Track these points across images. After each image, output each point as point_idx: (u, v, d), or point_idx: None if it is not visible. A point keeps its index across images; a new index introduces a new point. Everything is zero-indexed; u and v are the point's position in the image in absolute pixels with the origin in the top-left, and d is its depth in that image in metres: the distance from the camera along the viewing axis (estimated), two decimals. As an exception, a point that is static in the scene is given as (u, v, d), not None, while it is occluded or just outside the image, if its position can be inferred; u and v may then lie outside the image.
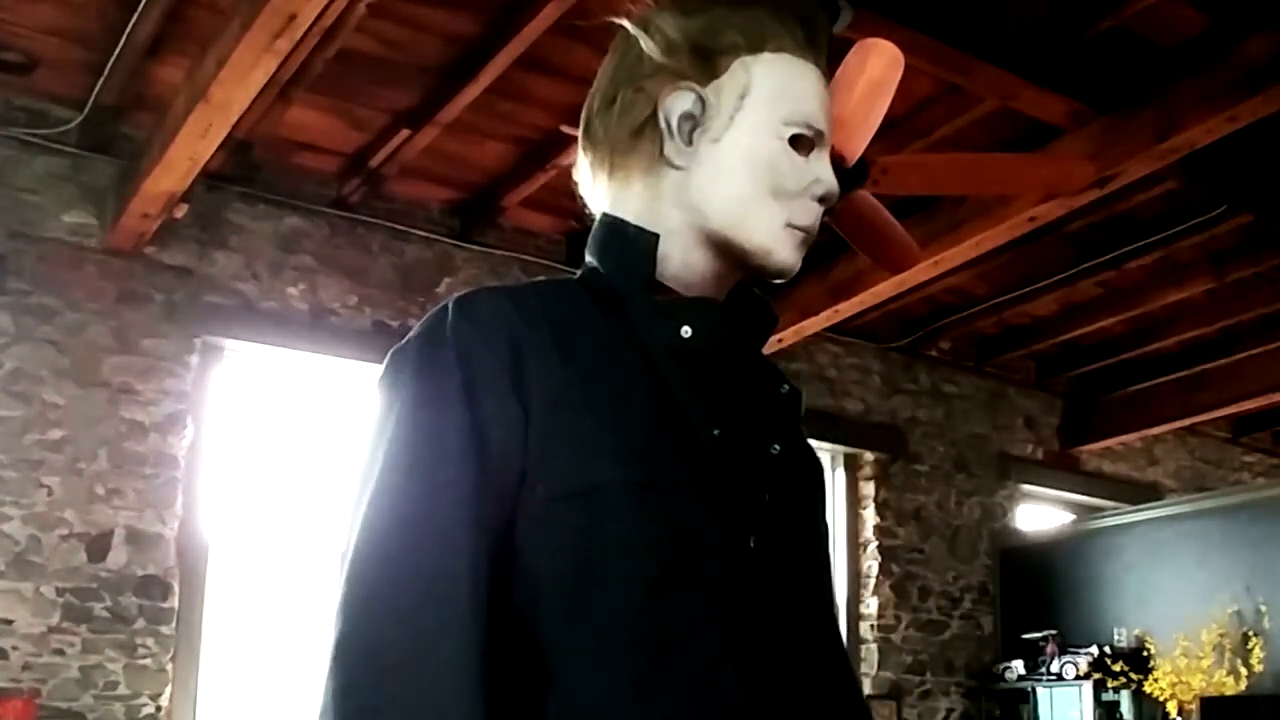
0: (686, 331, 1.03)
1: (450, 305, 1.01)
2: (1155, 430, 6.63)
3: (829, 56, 1.10)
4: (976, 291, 5.62)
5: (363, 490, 0.96)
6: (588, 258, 1.09)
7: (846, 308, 4.93)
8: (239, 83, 3.19)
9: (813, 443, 1.20)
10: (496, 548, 0.94)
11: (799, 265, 1.08)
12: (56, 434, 3.92)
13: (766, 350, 1.17)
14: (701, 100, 1.05)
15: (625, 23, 1.08)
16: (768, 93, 1.05)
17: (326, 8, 2.97)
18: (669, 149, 1.05)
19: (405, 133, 4.10)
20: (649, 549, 0.96)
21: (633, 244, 1.06)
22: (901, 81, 2.96)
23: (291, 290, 4.46)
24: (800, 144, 1.06)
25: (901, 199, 3.78)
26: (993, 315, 5.86)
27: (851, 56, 2.90)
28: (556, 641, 0.94)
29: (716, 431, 1.00)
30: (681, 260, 1.07)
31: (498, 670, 0.92)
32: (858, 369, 5.91)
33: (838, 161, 3.05)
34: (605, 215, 1.09)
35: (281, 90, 3.73)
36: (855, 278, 4.73)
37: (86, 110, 3.93)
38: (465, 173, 4.58)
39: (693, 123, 1.05)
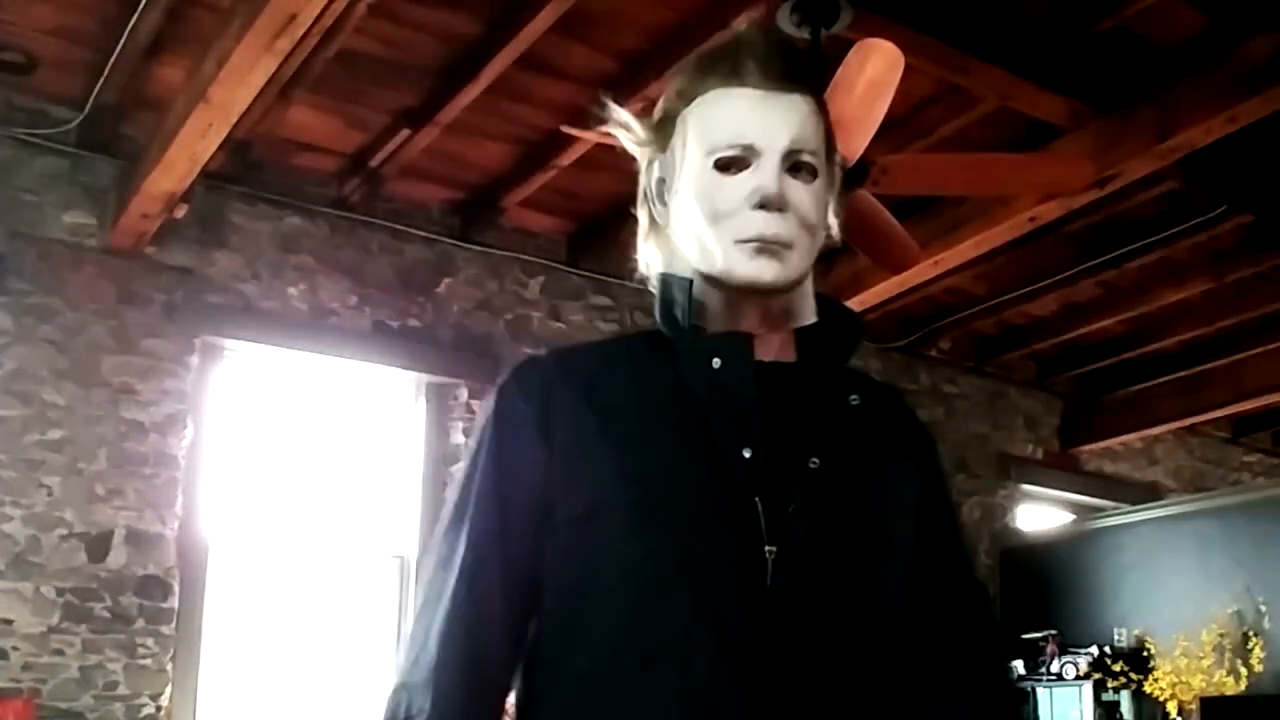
0: (716, 363, 1.15)
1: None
2: (1155, 430, 6.62)
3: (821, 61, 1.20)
4: (976, 291, 5.62)
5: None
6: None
7: (846, 308, 4.92)
8: (239, 83, 3.19)
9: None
10: (530, 561, 1.13)
11: (773, 273, 1.15)
12: (56, 434, 3.92)
13: None
14: (665, 164, 1.20)
15: (613, 130, 1.24)
16: (693, 135, 1.17)
17: (326, 8, 2.97)
18: (656, 214, 1.22)
19: (405, 133, 4.10)
20: (640, 560, 1.09)
21: (672, 292, 1.19)
22: (901, 81, 2.96)
23: (291, 290, 4.46)
24: (728, 165, 1.15)
25: (901, 199, 3.78)
26: (993, 315, 5.86)
27: (851, 56, 2.91)
28: (567, 640, 1.10)
29: (748, 452, 1.11)
30: (703, 300, 1.19)
31: (527, 657, 1.14)
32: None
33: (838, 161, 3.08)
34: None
35: (281, 90, 3.73)
36: (855, 278, 4.73)
37: (86, 110, 3.92)
38: (465, 173, 4.58)
39: (664, 185, 1.21)
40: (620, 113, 1.22)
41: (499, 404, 1.18)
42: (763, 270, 1.14)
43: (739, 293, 1.16)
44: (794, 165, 1.16)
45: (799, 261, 1.16)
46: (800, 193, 1.15)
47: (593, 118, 1.27)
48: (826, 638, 1.09)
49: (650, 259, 1.24)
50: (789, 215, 1.14)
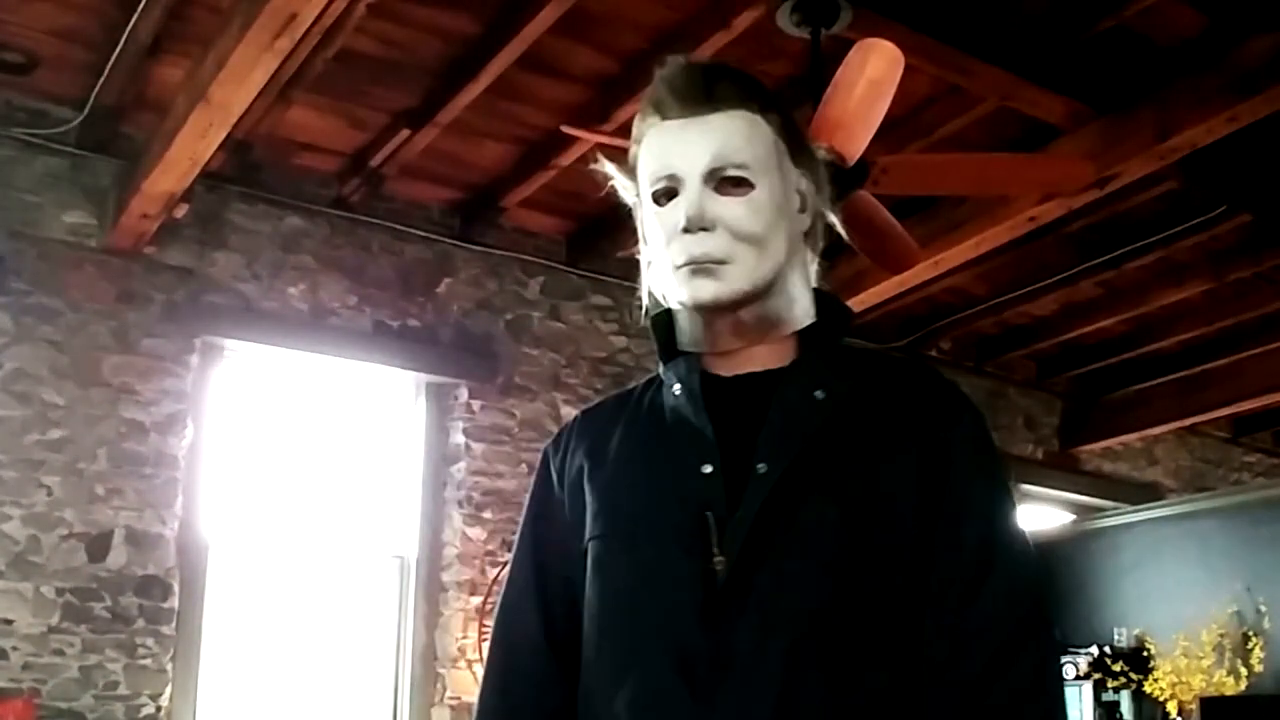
0: (677, 389, 1.22)
1: None
2: (1155, 430, 6.63)
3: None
4: (976, 291, 5.62)
5: None
6: None
7: (847, 308, 4.92)
8: (239, 83, 3.19)
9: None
10: (564, 586, 1.26)
11: (711, 290, 1.17)
12: (56, 434, 3.92)
13: None
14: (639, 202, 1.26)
15: (613, 178, 1.29)
16: (640, 176, 1.23)
17: (326, 8, 2.97)
18: (645, 253, 1.27)
19: (405, 133, 4.10)
20: (613, 585, 1.20)
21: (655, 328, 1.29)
22: (901, 81, 2.96)
23: (291, 290, 4.46)
24: (662, 198, 1.21)
25: (901, 199, 3.78)
26: (993, 315, 5.86)
27: (851, 56, 2.91)
28: (582, 661, 1.23)
29: (707, 468, 1.16)
30: (687, 327, 1.25)
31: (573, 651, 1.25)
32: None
33: (837, 162, 3.08)
34: None
35: (281, 90, 3.73)
36: (855, 278, 4.73)
37: (86, 110, 3.93)
38: (465, 173, 4.58)
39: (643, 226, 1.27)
40: (608, 166, 1.28)
41: (541, 460, 1.35)
42: (701, 289, 1.17)
43: (704, 313, 1.20)
44: (725, 181, 1.17)
45: (743, 274, 1.17)
46: (731, 208, 1.17)
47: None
48: (778, 644, 1.08)
49: (652, 294, 1.28)
50: (718, 232, 1.16)
